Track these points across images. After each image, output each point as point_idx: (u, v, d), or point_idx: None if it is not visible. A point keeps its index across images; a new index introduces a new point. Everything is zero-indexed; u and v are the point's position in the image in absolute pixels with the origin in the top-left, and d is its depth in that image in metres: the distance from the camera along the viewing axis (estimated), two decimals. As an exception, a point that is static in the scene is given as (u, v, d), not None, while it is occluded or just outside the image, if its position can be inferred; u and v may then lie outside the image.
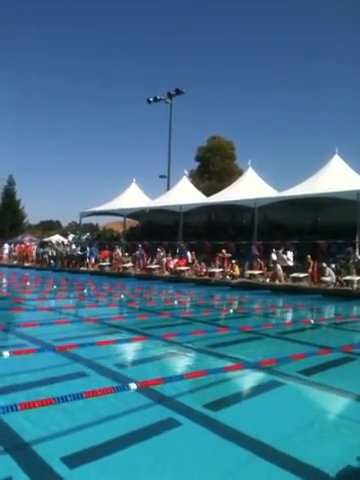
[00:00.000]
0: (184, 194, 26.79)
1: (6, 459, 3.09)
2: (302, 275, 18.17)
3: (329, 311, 13.54)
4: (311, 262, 18.15)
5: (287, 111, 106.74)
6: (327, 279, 16.99)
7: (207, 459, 3.27)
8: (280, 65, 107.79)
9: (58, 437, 3.45)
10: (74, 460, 3.09)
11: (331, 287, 16.75)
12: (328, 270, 17.09)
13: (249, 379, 5.45)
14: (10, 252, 34.38)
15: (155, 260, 23.77)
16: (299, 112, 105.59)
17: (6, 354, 4.76)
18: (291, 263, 19.11)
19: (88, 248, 27.62)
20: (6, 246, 35.31)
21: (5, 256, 34.23)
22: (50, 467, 2.99)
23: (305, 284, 17.77)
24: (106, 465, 3.08)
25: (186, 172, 31.11)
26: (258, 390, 5.07)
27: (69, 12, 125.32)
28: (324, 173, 21.29)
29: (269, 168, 63.59)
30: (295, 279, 18.15)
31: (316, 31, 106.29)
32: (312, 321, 10.12)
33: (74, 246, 30.16)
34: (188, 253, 22.72)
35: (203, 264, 21.84)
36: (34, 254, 32.11)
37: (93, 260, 26.41)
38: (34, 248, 33.43)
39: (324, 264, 17.39)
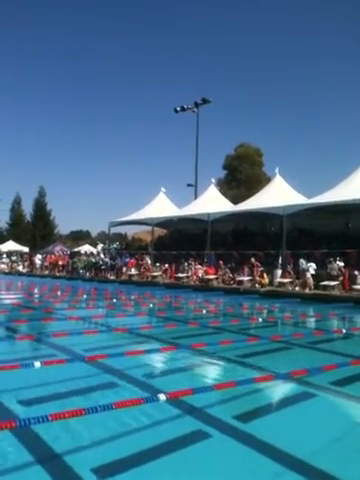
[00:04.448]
0: (212, 202, 26.75)
1: (37, 469, 3.13)
2: (333, 283, 17.84)
3: (362, 320, 13.21)
4: (342, 270, 17.81)
5: (316, 117, 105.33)
6: (359, 287, 16.61)
7: (237, 472, 3.23)
8: (308, 71, 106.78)
9: (88, 448, 3.47)
10: (104, 471, 3.11)
11: (363, 295, 16.35)
12: (360, 278, 16.73)
13: (280, 390, 5.37)
14: (42, 262, 35.08)
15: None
16: (328, 117, 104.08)
17: (37, 364, 4.83)
18: (313, 271, 18.73)
19: (119, 257, 27.97)
20: (38, 256, 36.07)
21: (37, 266, 34.94)
22: (80, 478, 3.01)
23: (336, 292, 17.42)
24: (135, 476, 3.08)
25: (213, 180, 31.15)
26: (289, 402, 4.98)
27: (95, 20, 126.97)
28: (354, 179, 20.90)
29: (297, 175, 62.62)
30: (326, 287, 17.82)
31: (345, 36, 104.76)
32: (344, 330, 9.90)
33: (102, 255, 30.54)
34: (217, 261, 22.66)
35: (229, 271, 21.73)
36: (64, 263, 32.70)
37: (124, 269, 26.72)
38: (60, 257, 34.10)
39: (356, 272, 17.01)
